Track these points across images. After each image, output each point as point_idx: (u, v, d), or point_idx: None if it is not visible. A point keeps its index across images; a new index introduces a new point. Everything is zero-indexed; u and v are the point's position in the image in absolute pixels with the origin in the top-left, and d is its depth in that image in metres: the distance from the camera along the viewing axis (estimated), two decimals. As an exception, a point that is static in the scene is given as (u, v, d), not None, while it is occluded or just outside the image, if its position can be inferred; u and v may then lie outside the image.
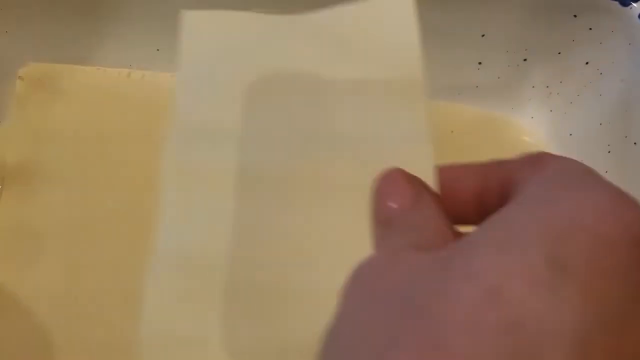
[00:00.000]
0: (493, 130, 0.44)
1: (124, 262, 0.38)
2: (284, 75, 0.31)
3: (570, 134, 0.43)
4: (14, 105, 0.41)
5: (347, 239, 0.23)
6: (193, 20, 0.32)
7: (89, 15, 0.40)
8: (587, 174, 0.18)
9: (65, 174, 0.40)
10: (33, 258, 0.37)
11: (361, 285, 0.18)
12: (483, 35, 0.42)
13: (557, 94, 0.44)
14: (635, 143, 0.39)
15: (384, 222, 0.22)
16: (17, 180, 0.39)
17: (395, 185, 0.22)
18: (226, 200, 0.27)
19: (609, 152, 0.41)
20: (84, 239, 0.38)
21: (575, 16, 0.40)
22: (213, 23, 0.32)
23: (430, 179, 0.22)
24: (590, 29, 0.40)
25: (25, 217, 0.38)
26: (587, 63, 0.42)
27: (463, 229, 0.21)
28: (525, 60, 0.43)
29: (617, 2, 0.38)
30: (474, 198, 0.22)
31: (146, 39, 0.42)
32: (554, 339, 0.15)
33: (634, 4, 0.38)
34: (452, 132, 0.44)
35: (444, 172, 0.23)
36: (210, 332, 0.24)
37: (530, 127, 0.45)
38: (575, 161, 0.19)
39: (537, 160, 0.20)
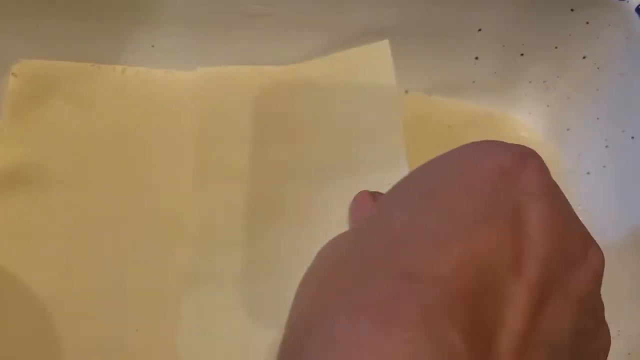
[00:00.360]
0: (490, 126, 0.44)
1: (123, 262, 0.38)
2: (283, 118, 0.39)
3: (568, 129, 0.43)
4: (7, 103, 0.41)
5: None
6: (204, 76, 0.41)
7: (83, 12, 0.40)
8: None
9: (60, 172, 0.39)
10: (30, 258, 0.37)
11: (319, 252, 0.23)
12: (479, 30, 0.42)
13: (554, 88, 0.44)
14: (632, 137, 0.39)
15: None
16: (11, 180, 0.39)
17: (361, 201, 0.26)
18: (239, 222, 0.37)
19: (607, 146, 0.41)
20: (81, 238, 0.38)
21: (572, 10, 0.40)
22: (223, 78, 0.40)
23: None
24: (587, 23, 0.40)
25: (21, 218, 0.38)
26: (584, 57, 0.42)
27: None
28: (522, 55, 0.43)
29: (614, -4, 0.38)
30: None
31: (141, 35, 0.41)
32: (416, 239, 0.19)
33: (631, -2, 0.38)
34: (449, 127, 0.44)
35: None
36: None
37: (527, 122, 0.45)
38: None
39: None
